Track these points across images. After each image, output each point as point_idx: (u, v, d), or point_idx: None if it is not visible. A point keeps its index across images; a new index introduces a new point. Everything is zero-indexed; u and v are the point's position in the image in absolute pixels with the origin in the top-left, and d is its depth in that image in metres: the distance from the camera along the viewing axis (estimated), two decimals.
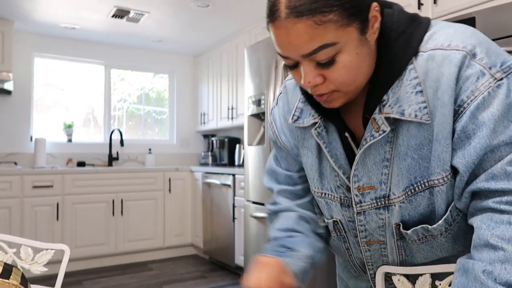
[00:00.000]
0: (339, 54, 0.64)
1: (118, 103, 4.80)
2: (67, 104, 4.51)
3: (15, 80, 4.07)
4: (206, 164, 4.71)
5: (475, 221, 0.66)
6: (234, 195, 3.58)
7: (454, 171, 0.70)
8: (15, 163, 4.03)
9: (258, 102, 2.95)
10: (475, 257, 0.63)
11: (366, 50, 0.67)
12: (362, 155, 0.75)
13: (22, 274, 0.78)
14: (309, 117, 0.80)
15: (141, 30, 4.13)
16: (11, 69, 3.77)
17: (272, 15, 0.64)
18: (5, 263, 0.77)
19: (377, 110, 0.71)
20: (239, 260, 3.51)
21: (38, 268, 0.86)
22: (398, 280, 0.80)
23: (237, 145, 4.33)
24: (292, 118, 0.82)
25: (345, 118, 0.78)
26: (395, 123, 0.71)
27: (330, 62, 0.65)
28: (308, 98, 0.79)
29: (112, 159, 4.51)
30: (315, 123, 0.79)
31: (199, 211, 4.23)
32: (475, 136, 0.65)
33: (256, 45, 2.98)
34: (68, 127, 4.38)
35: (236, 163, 4.32)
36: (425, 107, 0.67)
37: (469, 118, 0.65)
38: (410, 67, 0.69)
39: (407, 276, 0.80)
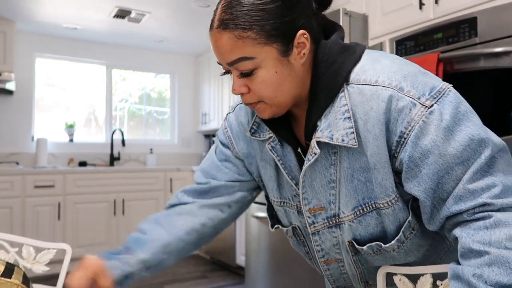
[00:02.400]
0: (258, 69, 0.72)
1: (119, 103, 4.81)
2: (69, 104, 4.52)
3: (17, 80, 4.08)
4: None
5: (455, 232, 0.69)
6: None
7: (402, 194, 0.75)
8: (17, 163, 4.03)
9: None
10: (464, 264, 0.66)
11: (287, 72, 0.73)
12: (309, 178, 0.80)
13: (24, 273, 0.78)
14: (265, 132, 0.85)
15: (142, 30, 4.14)
16: (12, 69, 3.77)
17: (210, 24, 0.74)
18: (7, 262, 0.77)
19: (313, 135, 0.76)
20: (240, 260, 3.51)
21: (39, 268, 0.86)
22: (400, 280, 0.80)
23: None
24: (250, 131, 0.87)
25: (298, 135, 0.84)
26: (336, 148, 0.76)
27: (250, 73, 0.73)
28: None
29: (113, 159, 4.51)
30: (271, 136, 0.84)
31: None
32: (423, 164, 0.68)
33: None
34: (70, 127, 4.38)
35: None
36: (352, 133, 0.72)
37: (412, 147, 0.68)
38: (341, 95, 0.74)
39: (408, 276, 0.80)
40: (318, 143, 0.75)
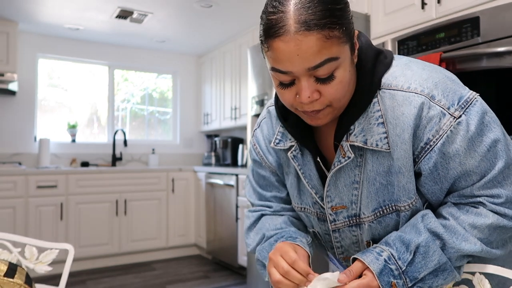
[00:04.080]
0: (337, 69, 0.70)
1: (121, 103, 4.82)
2: (71, 105, 4.53)
3: (20, 81, 4.09)
4: (209, 164, 4.72)
5: (445, 199, 0.78)
6: (237, 195, 3.59)
7: (420, 196, 0.79)
8: (20, 163, 4.05)
9: (261, 102, 2.95)
10: (426, 218, 0.76)
11: (353, 70, 0.74)
12: (334, 177, 0.82)
13: (27, 273, 0.79)
14: (288, 141, 0.87)
15: (144, 31, 4.15)
16: (15, 70, 3.79)
17: (278, 30, 0.66)
18: (10, 263, 0.77)
19: (344, 138, 0.78)
20: (242, 260, 3.51)
21: (42, 268, 0.86)
22: None
23: (240, 145, 4.34)
24: (274, 142, 0.89)
25: (318, 144, 0.85)
26: (362, 150, 0.79)
27: (329, 78, 0.69)
28: (285, 123, 0.86)
29: (115, 159, 4.52)
30: (292, 146, 0.86)
31: (202, 211, 4.23)
32: (443, 168, 0.73)
33: (260, 45, 2.98)
34: (72, 128, 4.39)
35: (239, 163, 4.32)
36: (385, 138, 0.75)
37: (438, 154, 0.73)
38: (374, 100, 0.77)
39: None
40: (352, 146, 0.77)
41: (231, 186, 3.65)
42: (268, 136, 0.94)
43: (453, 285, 0.77)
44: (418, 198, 0.78)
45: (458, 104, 0.72)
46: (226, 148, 4.54)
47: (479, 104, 0.73)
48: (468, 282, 0.76)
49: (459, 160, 0.72)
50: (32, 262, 0.86)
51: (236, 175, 3.59)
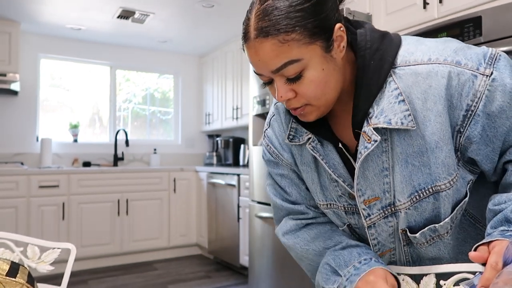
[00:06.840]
0: (306, 70, 0.70)
1: (123, 103, 4.83)
2: (73, 105, 4.54)
3: (22, 81, 4.10)
4: (211, 164, 4.72)
5: (506, 166, 0.76)
6: (239, 195, 3.59)
7: (463, 176, 0.77)
8: (22, 163, 4.06)
9: (263, 102, 2.95)
10: (502, 196, 0.73)
11: (332, 66, 0.73)
12: (361, 168, 0.78)
13: (29, 272, 0.79)
14: (304, 134, 0.84)
15: (146, 31, 4.15)
16: (17, 70, 3.80)
17: (245, 36, 0.72)
18: (12, 262, 0.77)
19: (365, 123, 0.75)
20: (243, 260, 3.51)
21: (44, 267, 0.86)
22: (403, 279, 0.80)
23: (242, 145, 4.34)
24: (288, 138, 0.86)
25: (336, 132, 0.83)
26: (386, 133, 0.75)
27: (297, 77, 0.71)
28: (297, 118, 0.83)
29: (117, 159, 4.53)
30: (309, 138, 0.83)
31: (204, 211, 4.24)
32: (490, 128, 0.72)
33: None
34: (74, 128, 4.41)
35: (241, 163, 4.33)
36: (409, 115, 0.72)
37: (482, 117, 0.71)
38: (389, 79, 0.75)
39: (411, 276, 0.80)
40: (376, 129, 0.74)
41: (233, 186, 3.65)
42: (280, 133, 0.91)
43: (454, 285, 0.77)
44: (460, 176, 0.75)
45: (485, 62, 0.70)
46: (227, 148, 4.55)
47: (504, 57, 0.72)
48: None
49: (505, 116, 0.71)
50: (34, 262, 0.86)
51: (238, 175, 3.59)
